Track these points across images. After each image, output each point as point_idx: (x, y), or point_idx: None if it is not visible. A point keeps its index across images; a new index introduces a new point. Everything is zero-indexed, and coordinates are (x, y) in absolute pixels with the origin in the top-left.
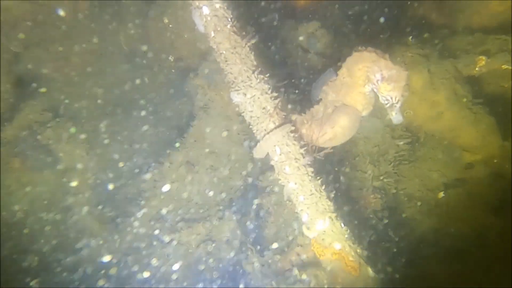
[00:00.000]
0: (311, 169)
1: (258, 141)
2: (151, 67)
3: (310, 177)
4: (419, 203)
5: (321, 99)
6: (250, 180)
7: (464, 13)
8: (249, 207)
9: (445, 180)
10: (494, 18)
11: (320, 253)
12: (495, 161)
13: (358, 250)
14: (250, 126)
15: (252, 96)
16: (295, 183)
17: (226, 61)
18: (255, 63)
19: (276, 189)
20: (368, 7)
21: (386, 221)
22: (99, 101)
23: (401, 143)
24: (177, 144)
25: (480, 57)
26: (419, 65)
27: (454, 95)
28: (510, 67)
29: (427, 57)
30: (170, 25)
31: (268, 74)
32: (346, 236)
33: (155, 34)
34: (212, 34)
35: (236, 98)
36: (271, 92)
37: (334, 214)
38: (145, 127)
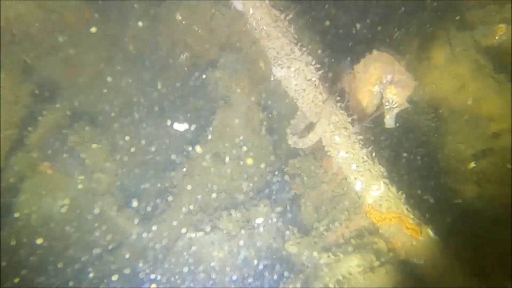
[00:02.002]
0: (361, 137)
1: (300, 131)
2: (166, 67)
3: (360, 144)
4: (452, 175)
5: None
6: (277, 167)
7: None
8: (282, 193)
9: (473, 151)
10: None
11: (377, 219)
12: None
13: (416, 213)
14: (295, 100)
15: (297, 69)
16: (346, 152)
17: (267, 36)
18: (296, 36)
19: (304, 172)
20: None
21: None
22: (115, 103)
23: (425, 118)
24: (202, 138)
25: (500, 25)
26: (440, 39)
27: (476, 66)
28: None
29: (446, 30)
30: (183, 22)
31: (310, 46)
32: (403, 200)
33: (167, 33)
34: (251, 11)
35: (279, 72)
36: (315, 64)
37: (388, 180)
38: (167, 123)
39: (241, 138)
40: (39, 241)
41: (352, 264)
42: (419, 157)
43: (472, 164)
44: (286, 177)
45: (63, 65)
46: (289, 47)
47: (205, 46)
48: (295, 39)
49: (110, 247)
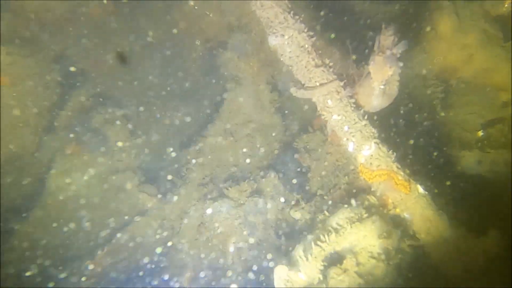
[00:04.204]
0: (353, 101)
1: (303, 85)
2: (181, 54)
3: (352, 107)
4: (457, 143)
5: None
6: (285, 143)
7: None
8: (289, 166)
9: (483, 121)
10: None
11: (369, 177)
12: None
13: (406, 170)
14: (290, 67)
15: (290, 36)
16: (338, 115)
17: (262, 6)
18: (289, 5)
19: (312, 146)
20: None
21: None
22: (136, 87)
23: (434, 90)
24: (214, 117)
25: None
26: (447, 9)
27: (484, 36)
28: None
29: (453, 1)
30: (196, 7)
31: (303, 14)
32: (392, 159)
33: (181, 20)
34: None
35: (274, 41)
36: (307, 31)
37: (379, 140)
38: (182, 106)
39: (252, 116)
40: (70, 214)
41: (343, 216)
42: (424, 129)
43: (480, 133)
44: (295, 152)
45: (88, 54)
46: (283, 15)
47: (216, 29)
48: (288, 7)
49: (131, 220)
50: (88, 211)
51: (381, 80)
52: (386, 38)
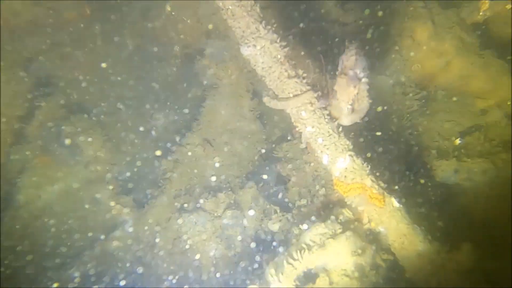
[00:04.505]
0: (327, 112)
1: (277, 96)
2: (159, 59)
3: (326, 119)
4: (434, 151)
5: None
6: (265, 152)
7: None
8: (269, 176)
9: (461, 129)
10: None
11: (344, 191)
12: (509, 103)
13: (381, 184)
14: (263, 78)
15: (262, 47)
16: (313, 127)
17: (233, 15)
18: (261, 14)
19: (292, 155)
20: None
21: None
22: (110, 95)
23: (412, 98)
24: (192, 125)
25: (483, 0)
26: (422, 17)
27: (461, 43)
28: None
29: (429, 9)
30: (173, 13)
31: (275, 24)
32: (367, 171)
33: (158, 26)
34: None
35: (247, 51)
36: (280, 41)
37: (353, 152)
38: (159, 115)
39: (231, 124)
40: (37, 229)
41: (316, 232)
42: (402, 138)
43: (458, 141)
44: (274, 161)
45: (61, 61)
46: (254, 25)
47: (193, 35)
48: (260, 17)
49: (105, 232)
50: (59, 224)
51: (347, 100)
52: (348, 58)
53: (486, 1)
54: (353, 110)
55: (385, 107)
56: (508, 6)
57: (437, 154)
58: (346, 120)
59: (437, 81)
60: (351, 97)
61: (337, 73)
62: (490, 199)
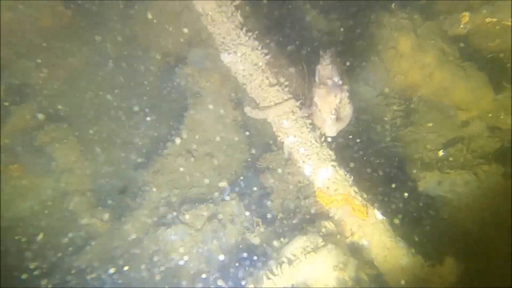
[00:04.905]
0: (309, 121)
1: (258, 104)
2: (139, 68)
3: (308, 128)
4: (419, 163)
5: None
6: (248, 163)
7: None
8: (251, 187)
9: (443, 140)
10: None
11: (326, 202)
12: (490, 115)
13: (364, 195)
14: (244, 86)
15: (243, 54)
16: (295, 136)
17: (213, 21)
18: (242, 21)
19: (275, 166)
20: None
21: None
22: (89, 104)
23: (396, 109)
24: (174, 135)
25: (464, 13)
26: (405, 29)
27: (442, 55)
28: (494, 19)
29: (412, 21)
30: (154, 20)
31: (256, 31)
32: (350, 182)
33: (140, 34)
34: None
35: (227, 58)
36: (261, 48)
37: (336, 163)
38: (140, 124)
39: (213, 134)
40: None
41: (298, 245)
42: (385, 150)
43: (441, 152)
44: (258, 172)
45: (36, 67)
46: (235, 32)
47: (175, 43)
48: (241, 24)
49: (79, 245)
50: (31, 238)
51: (329, 110)
52: (324, 67)
53: (466, 14)
54: (336, 119)
55: (369, 118)
56: (488, 20)
57: (420, 166)
58: (331, 131)
59: (420, 92)
60: (333, 106)
61: (314, 84)
62: (472, 211)
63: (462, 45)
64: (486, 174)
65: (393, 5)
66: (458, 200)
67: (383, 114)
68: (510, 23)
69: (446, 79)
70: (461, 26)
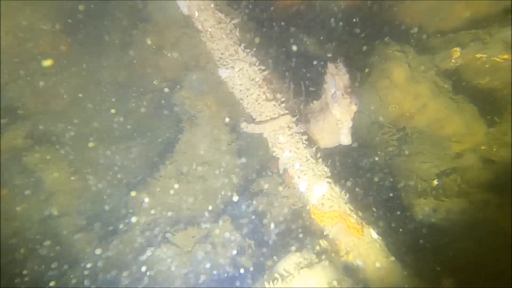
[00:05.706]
0: (305, 137)
1: (254, 120)
2: (136, 91)
3: (304, 144)
4: (413, 190)
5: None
6: (241, 186)
7: (434, 19)
8: (244, 211)
9: (437, 171)
10: (462, 20)
11: (321, 219)
12: (483, 148)
13: (359, 213)
14: (241, 101)
15: (240, 69)
16: (290, 151)
17: (212, 37)
18: (240, 38)
19: (269, 189)
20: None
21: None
22: (82, 128)
23: (390, 138)
24: (168, 158)
25: (455, 48)
26: (399, 60)
27: (435, 87)
28: (484, 56)
29: (406, 53)
30: (153, 46)
31: (254, 48)
32: (345, 200)
33: (138, 59)
34: (196, 14)
35: (224, 73)
36: (259, 64)
37: (331, 179)
38: (133, 146)
39: (207, 157)
40: None
41: (291, 262)
42: (381, 176)
43: (435, 182)
44: (251, 196)
45: (30, 91)
46: (233, 48)
47: (173, 68)
48: (239, 40)
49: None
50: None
51: (349, 119)
52: (342, 77)
53: (457, 49)
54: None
55: (363, 144)
56: (478, 56)
57: (416, 193)
58: (348, 139)
59: (414, 122)
60: (351, 116)
61: (332, 95)
62: (468, 239)
63: (454, 78)
64: (481, 203)
65: (386, 38)
66: (454, 227)
67: (378, 142)
68: (499, 59)
69: (440, 111)
70: (453, 61)
